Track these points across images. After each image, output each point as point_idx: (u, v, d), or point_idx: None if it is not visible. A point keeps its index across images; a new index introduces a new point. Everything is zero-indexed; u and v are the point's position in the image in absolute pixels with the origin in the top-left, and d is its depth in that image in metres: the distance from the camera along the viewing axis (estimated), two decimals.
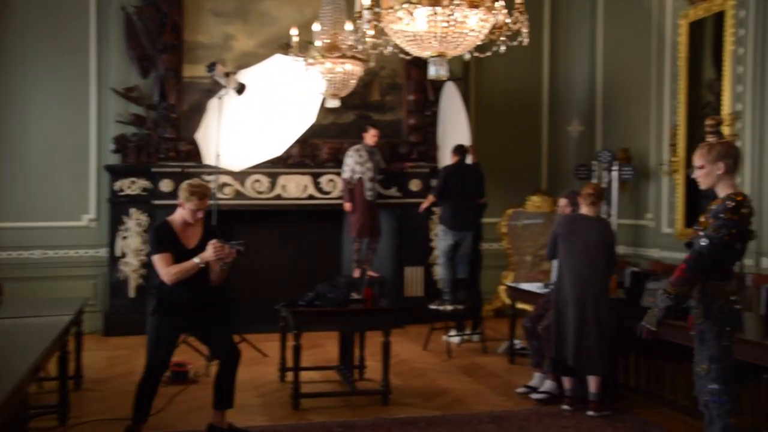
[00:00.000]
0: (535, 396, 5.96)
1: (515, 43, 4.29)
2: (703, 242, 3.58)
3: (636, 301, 5.86)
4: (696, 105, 8.42)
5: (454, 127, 9.07)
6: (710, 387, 3.68)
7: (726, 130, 7.66)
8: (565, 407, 5.63)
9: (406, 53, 4.43)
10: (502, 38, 4.34)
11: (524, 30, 4.18)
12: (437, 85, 9.46)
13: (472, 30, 4.08)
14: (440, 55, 4.17)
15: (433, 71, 4.25)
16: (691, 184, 8.37)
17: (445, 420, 5.46)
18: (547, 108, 10.41)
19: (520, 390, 6.14)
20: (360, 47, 4.37)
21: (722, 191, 3.74)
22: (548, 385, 5.96)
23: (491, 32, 4.32)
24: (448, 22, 4.00)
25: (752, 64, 7.39)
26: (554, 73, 10.40)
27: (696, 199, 8.41)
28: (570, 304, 5.57)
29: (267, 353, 7.32)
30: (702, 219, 3.68)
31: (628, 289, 6.74)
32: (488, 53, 4.46)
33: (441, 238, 8.19)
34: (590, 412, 5.48)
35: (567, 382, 5.71)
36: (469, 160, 8.33)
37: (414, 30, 4.10)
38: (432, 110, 9.51)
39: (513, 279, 9.46)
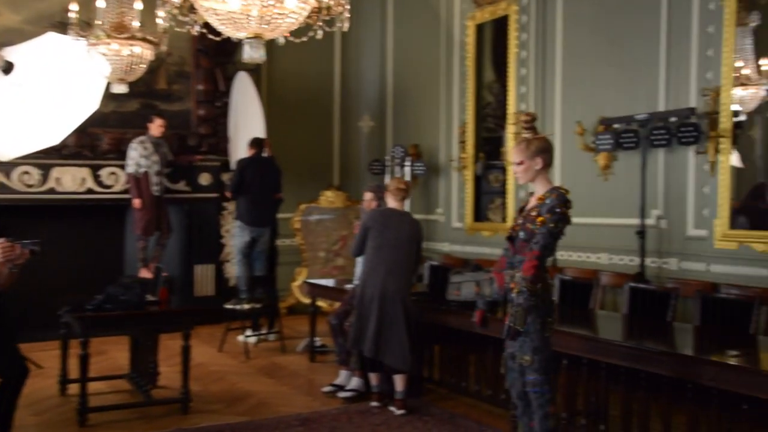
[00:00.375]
0: (342, 394, 5.82)
1: (334, 29, 4.11)
2: (547, 237, 3.63)
3: (440, 294, 5.91)
4: (482, 104, 8.80)
5: (248, 119, 8.74)
6: (532, 378, 3.73)
7: (511, 129, 8.08)
8: (374, 404, 5.56)
9: (218, 34, 4.08)
10: (319, 23, 4.14)
11: (346, 15, 4.01)
12: (228, 74, 9.10)
13: (292, 12, 3.84)
14: (256, 37, 3.89)
15: (247, 54, 3.95)
16: (479, 180, 8.74)
17: (252, 425, 5.17)
18: (339, 102, 10.38)
19: (326, 389, 5.98)
20: (165, 25, 3.93)
21: (540, 186, 3.82)
22: (355, 382, 5.85)
23: (308, 16, 4.10)
24: (266, 2, 3.73)
25: (534, 67, 7.83)
26: (345, 67, 10.39)
27: (480, 194, 8.80)
28: (376, 299, 5.46)
29: (42, 364, 6.55)
30: (533, 213, 3.70)
31: (429, 283, 6.86)
32: (304, 38, 4.25)
33: (237, 235, 7.81)
34: (397, 411, 5.42)
35: (374, 378, 5.64)
36: (265, 153, 8.04)
37: (229, 8, 3.77)
38: (223, 101, 9.11)
39: (307, 275, 9.34)
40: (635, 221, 6.45)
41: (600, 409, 4.60)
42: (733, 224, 5.95)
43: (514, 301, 3.66)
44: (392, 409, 5.46)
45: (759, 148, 6.10)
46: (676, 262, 6.34)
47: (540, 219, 3.64)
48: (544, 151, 3.83)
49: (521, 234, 3.71)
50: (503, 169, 8.46)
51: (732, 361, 3.77)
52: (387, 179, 9.14)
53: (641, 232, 6.31)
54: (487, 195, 8.77)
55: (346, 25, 4.07)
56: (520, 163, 3.84)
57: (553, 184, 3.81)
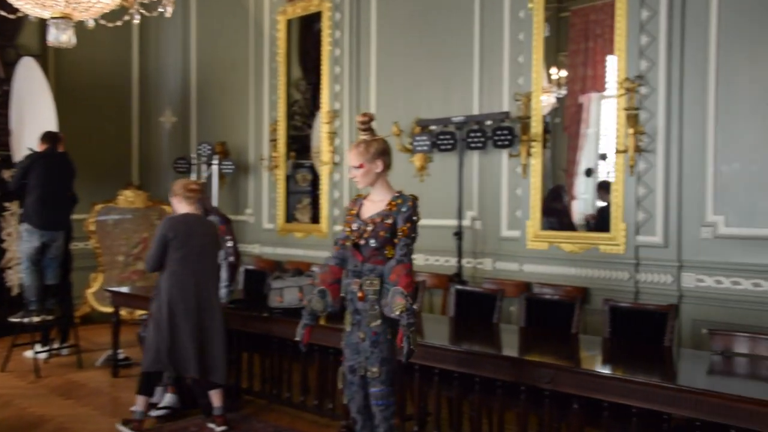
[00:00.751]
0: (154, 413, 5.33)
1: (155, 14, 3.70)
2: (411, 247, 3.48)
3: (259, 300, 5.61)
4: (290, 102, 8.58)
5: (35, 110, 7.87)
6: (377, 390, 3.56)
7: (326, 128, 7.92)
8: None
9: (13, 11, 3.53)
10: (136, 7, 3.71)
11: None
12: (9, 59, 8.17)
13: None
14: (64, 18, 3.39)
15: (53, 36, 3.45)
16: (290, 180, 8.51)
17: None
18: (138, 95, 9.68)
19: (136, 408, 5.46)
20: None
21: (383, 190, 3.66)
22: (169, 398, 5.40)
23: None
24: None
25: (348, 66, 7.72)
26: (145, 58, 9.70)
27: (288, 194, 8.56)
28: (191, 313, 4.99)
29: None
30: (388, 221, 3.52)
31: (245, 288, 6.53)
32: (119, 23, 3.79)
33: (25, 240, 6.93)
34: (217, 428, 5.03)
35: (141, 402, 5.04)
36: (60, 149, 7.24)
37: None
38: (3, 89, 8.15)
39: (103, 281, 8.61)
40: (452, 222, 6.52)
41: (432, 413, 4.54)
42: (543, 225, 6.18)
43: (404, 321, 3.39)
44: (212, 425, 5.09)
45: (550, 151, 6.39)
46: (490, 262, 6.49)
47: (402, 229, 3.49)
48: (384, 153, 3.69)
49: (372, 242, 3.53)
50: (311, 169, 8.31)
51: (565, 363, 3.84)
52: (194, 178, 8.64)
53: (458, 233, 6.39)
54: (294, 195, 8.57)
55: (169, 11, 3.67)
56: (360, 167, 3.66)
57: (393, 189, 3.67)
